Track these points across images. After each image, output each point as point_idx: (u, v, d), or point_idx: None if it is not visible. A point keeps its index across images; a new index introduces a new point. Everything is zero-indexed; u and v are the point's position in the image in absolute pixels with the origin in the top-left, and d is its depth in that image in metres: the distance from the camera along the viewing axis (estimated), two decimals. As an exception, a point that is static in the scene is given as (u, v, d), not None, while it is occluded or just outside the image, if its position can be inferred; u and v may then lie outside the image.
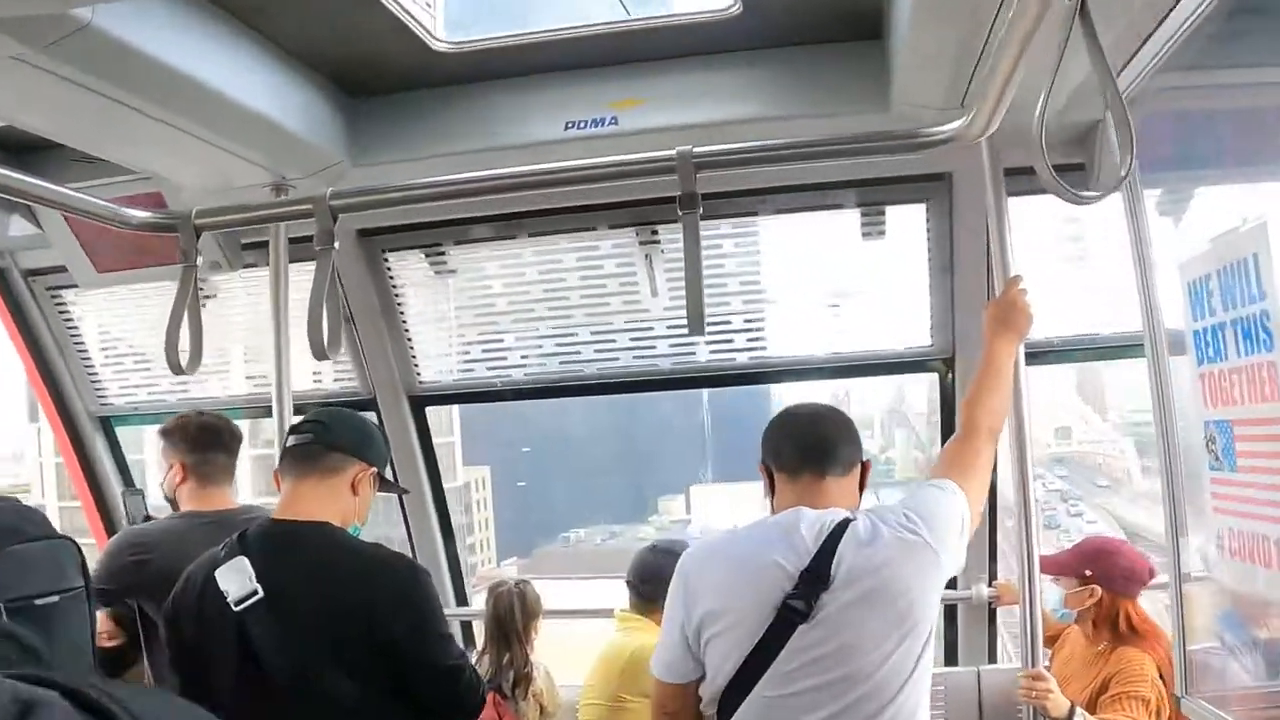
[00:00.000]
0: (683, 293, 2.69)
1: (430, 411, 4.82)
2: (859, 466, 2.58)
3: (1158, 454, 2.96)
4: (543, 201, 4.00)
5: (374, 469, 2.76)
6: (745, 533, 2.53)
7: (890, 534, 2.35)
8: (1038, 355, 4.24)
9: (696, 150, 2.69)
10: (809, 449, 2.54)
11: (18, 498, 3.41)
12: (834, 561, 2.31)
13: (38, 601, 2.83)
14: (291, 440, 2.73)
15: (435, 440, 4.86)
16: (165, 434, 3.53)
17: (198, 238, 2.96)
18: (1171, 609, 2.98)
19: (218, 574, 2.54)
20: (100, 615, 3.99)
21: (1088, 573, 3.56)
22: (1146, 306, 2.97)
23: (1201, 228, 2.70)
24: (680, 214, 2.67)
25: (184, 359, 2.97)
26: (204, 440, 3.47)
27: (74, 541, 3.06)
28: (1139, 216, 2.98)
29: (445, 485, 4.97)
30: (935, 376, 4.49)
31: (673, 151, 2.69)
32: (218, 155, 3.28)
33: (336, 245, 2.85)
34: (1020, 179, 3.59)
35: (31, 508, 3.15)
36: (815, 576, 2.30)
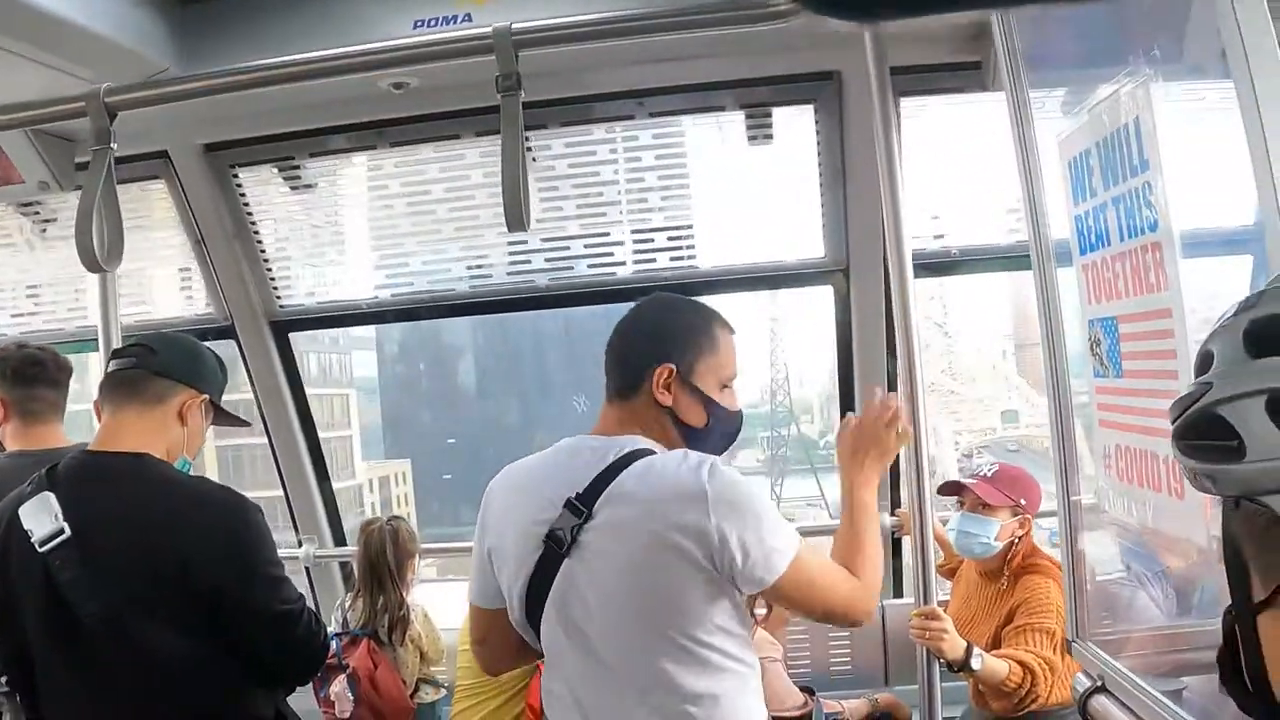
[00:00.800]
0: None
1: (329, 402, 4.56)
2: (651, 379, 2.21)
3: (1044, 369, 2.70)
4: (402, 110, 3.73)
5: (205, 396, 2.55)
6: (535, 459, 2.30)
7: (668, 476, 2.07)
8: (931, 267, 4.05)
9: (516, 27, 2.43)
10: (605, 366, 2.30)
11: None
12: (601, 494, 2.08)
13: None
14: (113, 366, 2.52)
15: (331, 434, 4.61)
16: None
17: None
18: (1061, 544, 2.72)
19: (21, 511, 2.33)
20: None
21: (1022, 502, 3.39)
22: (1030, 206, 2.69)
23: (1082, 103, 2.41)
24: (499, 97, 2.43)
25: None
26: (27, 374, 3.20)
27: None
28: (1023, 112, 2.70)
29: (342, 483, 4.74)
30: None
31: (489, 28, 2.43)
32: (34, 69, 2.98)
33: (114, 145, 2.58)
34: (910, 78, 3.42)
35: None
36: (577, 507, 2.09)
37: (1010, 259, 4.09)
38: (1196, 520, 1.99)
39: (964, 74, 3.54)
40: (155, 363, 2.49)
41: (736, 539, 2.00)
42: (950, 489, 3.50)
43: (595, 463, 2.11)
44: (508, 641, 2.32)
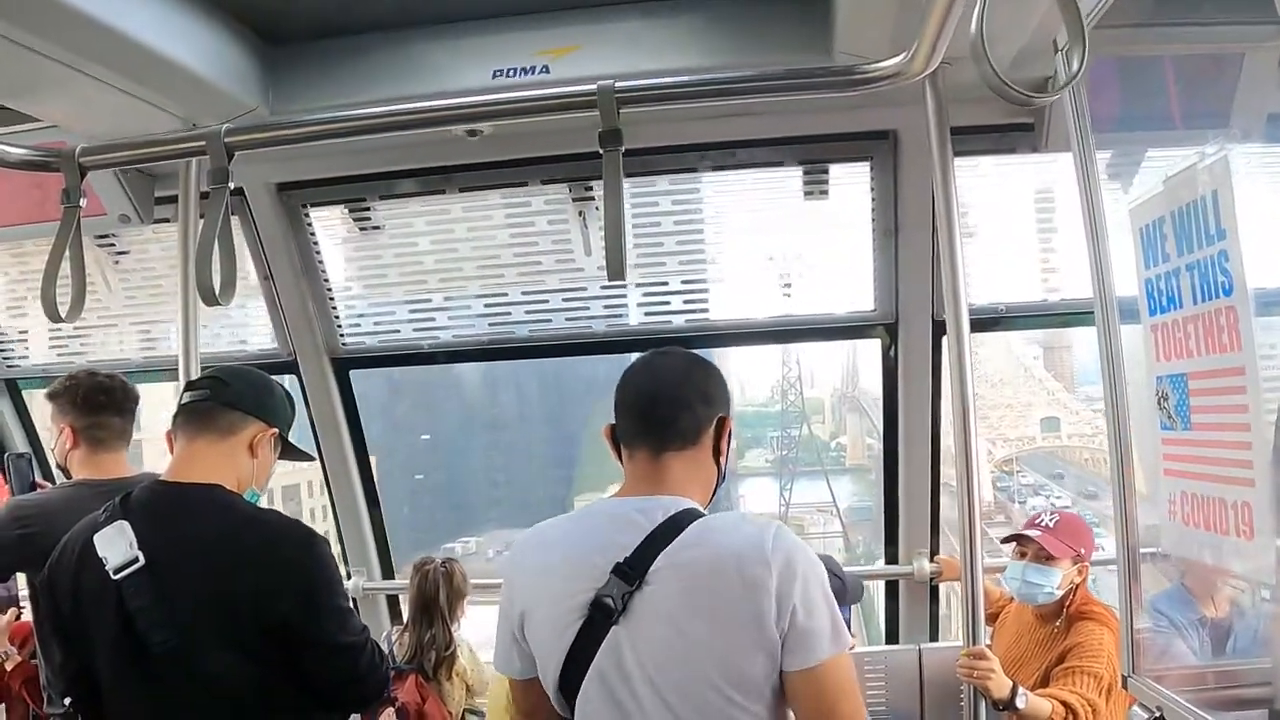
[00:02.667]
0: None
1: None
2: (713, 427, 2.18)
3: (1106, 421, 2.80)
4: (473, 155, 3.84)
5: (274, 430, 2.58)
6: (570, 520, 2.22)
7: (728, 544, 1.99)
8: (986, 323, 4.15)
9: (619, 84, 2.55)
10: (642, 421, 2.17)
11: None
12: (655, 560, 2.00)
13: None
14: (186, 398, 2.55)
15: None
16: (53, 397, 3.32)
17: (82, 177, 2.76)
18: (1120, 586, 2.82)
19: (96, 539, 2.35)
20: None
21: (1082, 551, 3.47)
22: (1096, 265, 2.80)
23: (1155, 173, 2.53)
24: (601, 151, 2.53)
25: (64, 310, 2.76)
26: (95, 402, 3.26)
27: None
28: (1090, 174, 2.82)
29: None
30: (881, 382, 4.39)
31: (594, 86, 2.55)
32: (127, 103, 3.10)
33: (232, 185, 2.67)
34: (967, 139, 3.52)
35: None
36: (628, 573, 2.00)
37: (1057, 316, 4.22)
38: (1267, 557, 2.09)
39: (1017, 134, 3.68)
40: (228, 395, 2.53)
41: (800, 601, 1.94)
42: (1014, 540, 3.57)
43: (642, 525, 2.04)
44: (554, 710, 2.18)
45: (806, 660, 1.95)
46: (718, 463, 2.20)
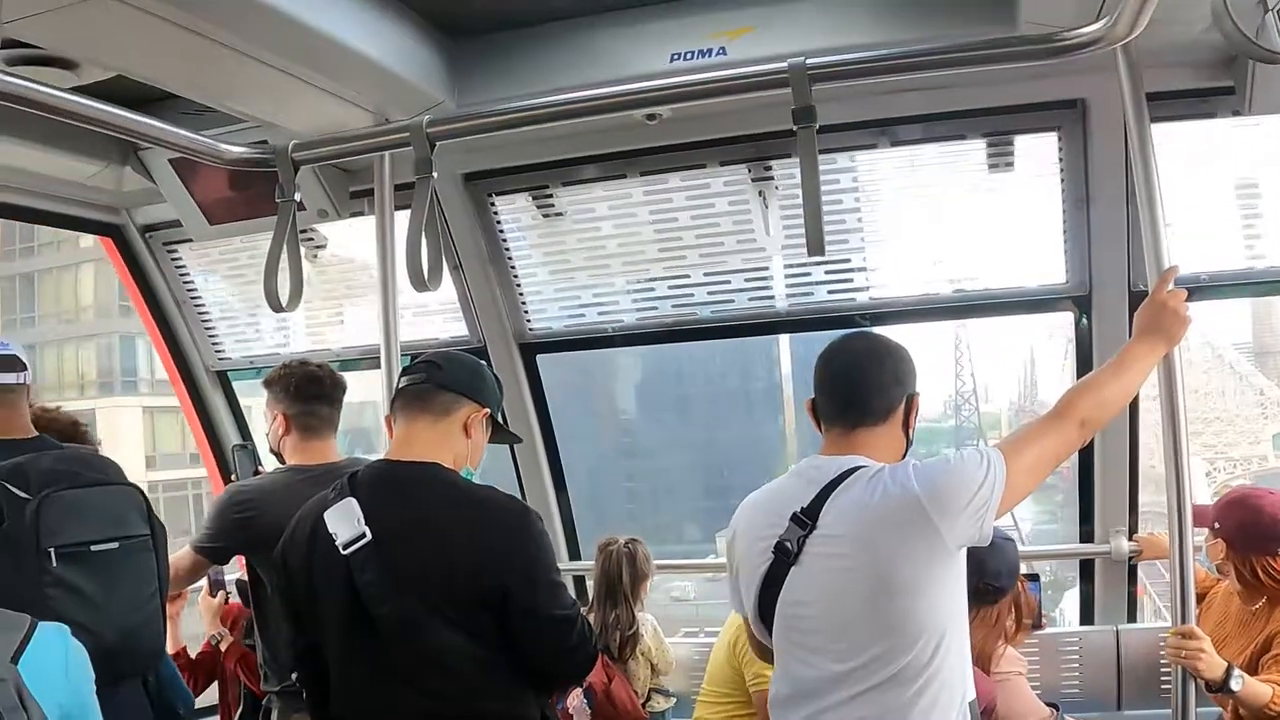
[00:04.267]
0: (797, 231, 2.56)
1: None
2: (903, 405, 2.42)
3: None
4: (652, 139, 3.89)
5: (486, 410, 2.66)
6: (776, 483, 2.49)
7: (885, 488, 2.21)
8: (1188, 294, 3.99)
9: (810, 61, 2.56)
10: (838, 402, 2.42)
11: (97, 447, 3.45)
12: (824, 507, 2.26)
13: (94, 548, 2.83)
14: (403, 381, 2.65)
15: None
16: (268, 385, 3.49)
17: (295, 172, 2.90)
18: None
19: (326, 516, 2.47)
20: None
21: (1216, 525, 3.33)
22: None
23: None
24: (796, 128, 2.55)
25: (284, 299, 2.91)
26: (306, 391, 3.42)
27: (138, 489, 3.06)
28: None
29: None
30: (1071, 360, 4.30)
31: (785, 64, 2.56)
32: (321, 99, 3.23)
33: (435, 174, 2.77)
34: (1160, 104, 3.39)
35: (104, 457, 3.15)
36: (803, 520, 2.27)
37: (1264, 284, 4.03)
38: None
39: (1218, 98, 3.53)
40: (442, 378, 2.60)
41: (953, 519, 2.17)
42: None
43: (818, 479, 2.30)
44: None
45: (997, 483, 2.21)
46: (906, 434, 2.44)
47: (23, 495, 2.72)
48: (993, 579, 3.19)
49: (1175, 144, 3.79)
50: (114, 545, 2.88)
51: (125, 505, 2.98)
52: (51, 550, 2.72)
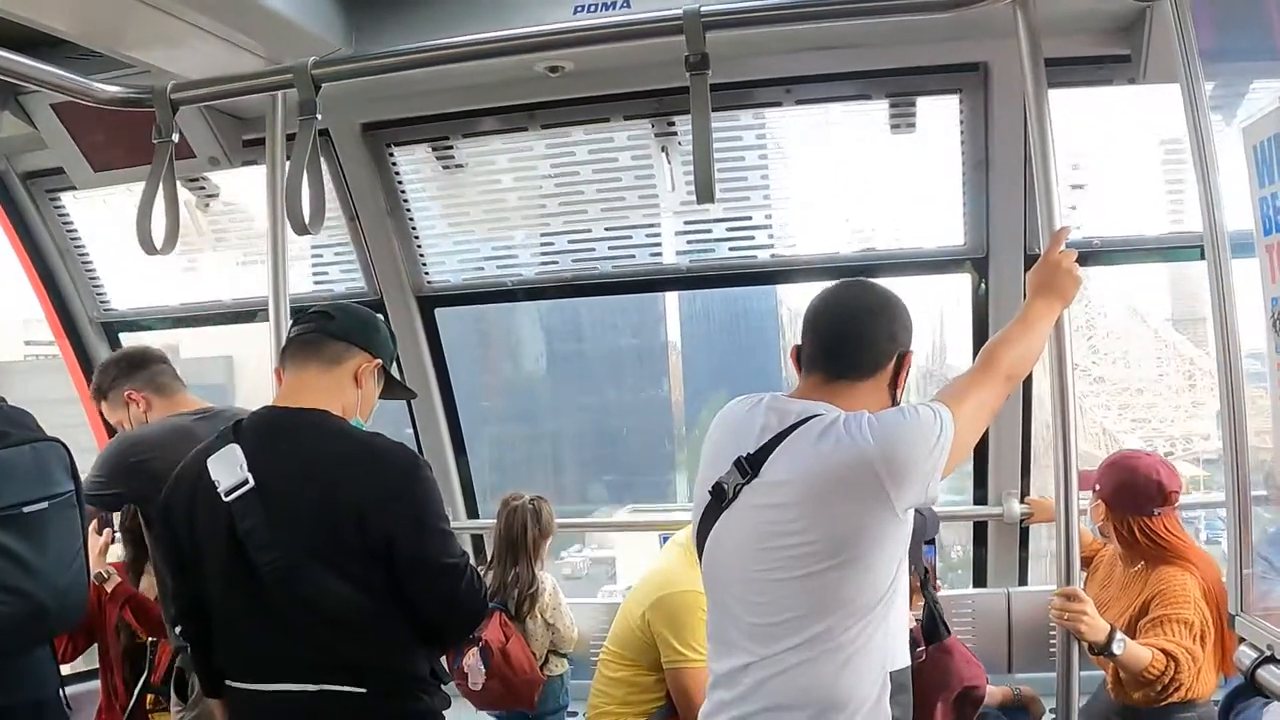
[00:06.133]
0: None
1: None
2: (893, 362, 2.30)
3: (1216, 358, 2.71)
4: (554, 92, 3.85)
5: (378, 361, 2.62)
6: (737, 408, 2.38)
7: (838, 440, 2.12)
8: (1082, 258, 4.05)
9: (704, 9, 2.52)
10: (825, 350, 2.31)
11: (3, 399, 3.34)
12: (770, 456, 2.18)
13: (26, 509, 2.80)
14: (294, 331, 2.61)
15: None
16: (99, 391, 3.46)
17: (174, 112, 2.79)
18: (1228, 525, 2.74)
19: (209, 463, 2.41)
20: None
21: (1096, 487, 3.39)
22: (1207, 196, 2.69)
23: (1268, 95, 2.44)
24: (689, 74, 2.52)
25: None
26: (137, 360, 3.42)
27: (61, 443, 2.98)
28: (1198, 102, 2.69)
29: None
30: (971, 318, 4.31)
31: (679, 11, 2.53)
32: (214, 44, 3.13)
33: (319, 117, 2.70)
34: (1060, 70, 3.41)
35: (17, 408, 3.07)
36: (745, 467, 2.21)
37: (1155, 251, 4.11)
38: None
39: (1114, 65, 3.57)
40: (333, 327, 2.56)
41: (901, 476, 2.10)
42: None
43: (774, 426, 2.21)
44: None
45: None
46: (893, 392, 2.33)
47: None
48: None
49: (1077, 111, 3.84)
50: (44, 505, 2.84)
51: (51, 462, 2.93)
52: None
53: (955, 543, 5.35)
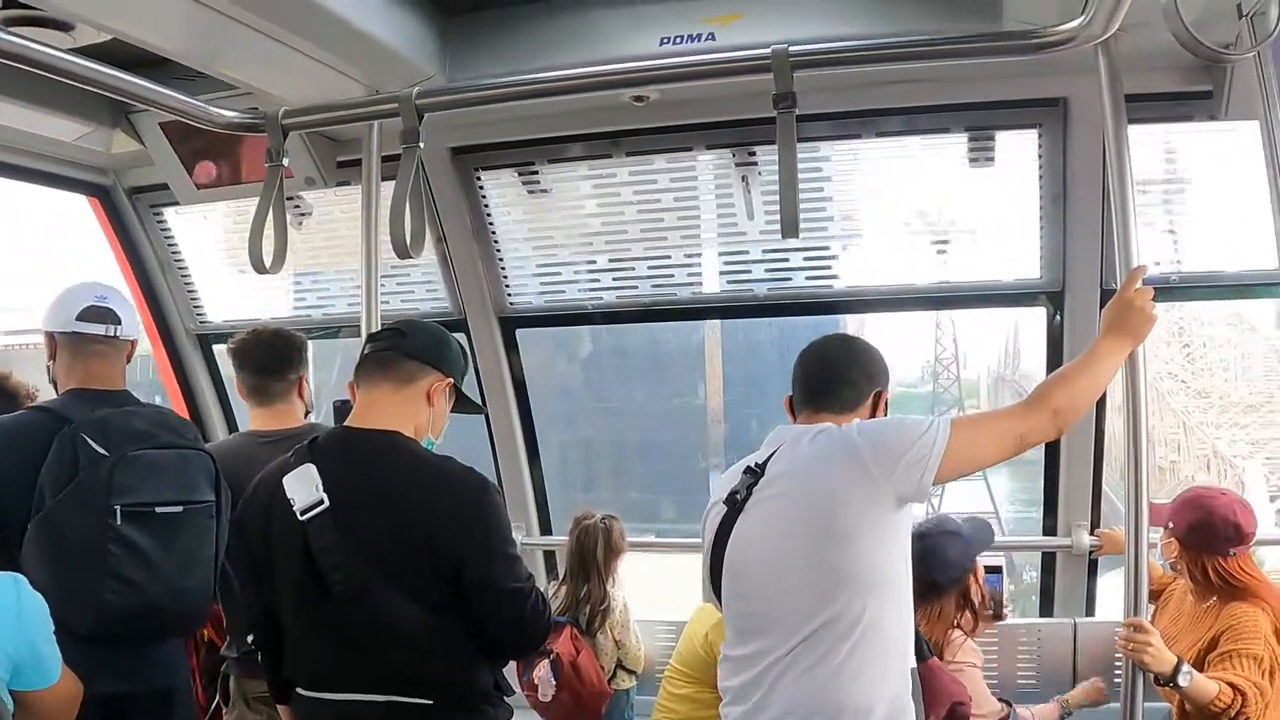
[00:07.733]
0: (778, 216, 2.62)
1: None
2: (870, 400, 2.61)
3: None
4: (638, 121, 3.92)
5: (450, 380, 2.65)
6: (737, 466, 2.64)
7: (829, 435, 2.43)
8: (1158, 293, 4.05)
9: (793, 49, 2.61)
10: (809, 390, 2.63)
11: (170, 407, 3.46)
12: (773, 458, 2.48)
13: (158, 509, 2.87)
14: (368, 348, 2.66)
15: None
16: (231, 352, 3.55)
17: (284, 138, 2.93)
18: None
19: (285, 481, 2.47)
20: None
21: (1169, 524, 3.39)
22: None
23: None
24: (776, 112, 2.60)
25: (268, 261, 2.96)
26: (258, 358, 3.47)
27: (209, 454, 3.07)
28: (1276, 139, 2.73)
29: None
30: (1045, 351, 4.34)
31: (768, 50, 2.61)
32: (314, 68, 3.25)
33: (422, 145, 2.80)
34: (1140, 106, 3.44)
35: (181, 418, 3.17)
36: (754, 470, 2.49)
37: (1234, 288, 4.10)
38: None
39: (1195, 103, 3.59)
40: (406, 345, 2.60)
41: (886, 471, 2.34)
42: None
43: (776, 442, 2.54)
44: None
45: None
46: None
47: (101, 451, 2.80)
48: (929, 574, 3.24)
49: (1158, 147, 3.86)
50: (178, 509, 2.93)
51: (195, 470, 3.02)
52: (118, 507, 2.79)
53: (1026, 563, 5.33)
